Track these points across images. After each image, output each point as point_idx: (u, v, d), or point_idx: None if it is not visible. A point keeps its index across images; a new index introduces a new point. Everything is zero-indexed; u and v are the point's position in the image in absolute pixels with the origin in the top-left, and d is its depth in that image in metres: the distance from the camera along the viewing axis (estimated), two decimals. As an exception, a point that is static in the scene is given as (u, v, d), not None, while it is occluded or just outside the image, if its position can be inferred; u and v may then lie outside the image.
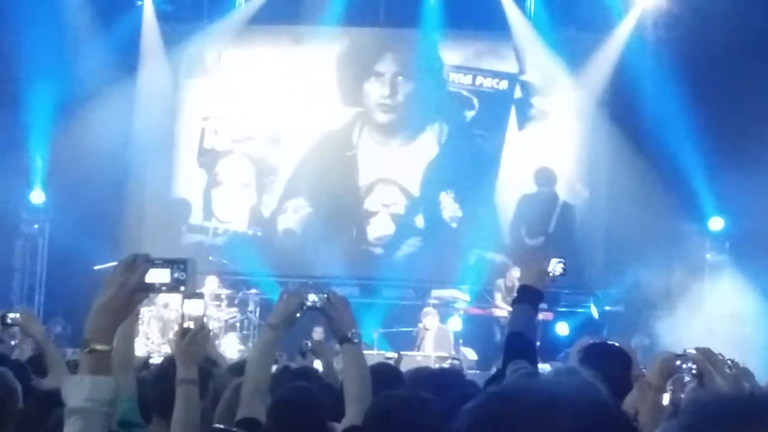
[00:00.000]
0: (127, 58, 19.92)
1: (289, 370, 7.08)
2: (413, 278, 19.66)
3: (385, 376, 6.01)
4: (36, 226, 19.99)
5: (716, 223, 18.78)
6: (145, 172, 20.37)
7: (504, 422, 1.77)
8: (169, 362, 5.51)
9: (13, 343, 9.04)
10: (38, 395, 5.39)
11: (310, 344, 8.57)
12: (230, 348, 16.35)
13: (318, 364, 8.40)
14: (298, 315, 5.28)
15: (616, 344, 6.24)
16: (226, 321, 17.42)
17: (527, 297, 5.69)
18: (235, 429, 4.58)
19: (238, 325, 17.66)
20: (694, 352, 5.36)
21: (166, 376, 5.06)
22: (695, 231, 18.63)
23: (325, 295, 5.31)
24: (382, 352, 15.27)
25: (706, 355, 5.40)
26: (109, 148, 19.08)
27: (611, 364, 5.34)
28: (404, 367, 8.85)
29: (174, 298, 17.15)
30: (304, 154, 20.27)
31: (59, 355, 6.79)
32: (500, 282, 17.61)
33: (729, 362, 5.82)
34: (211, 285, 17.59)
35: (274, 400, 4.97)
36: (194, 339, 4.54)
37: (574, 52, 19.58)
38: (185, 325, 4.53)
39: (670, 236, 18.08)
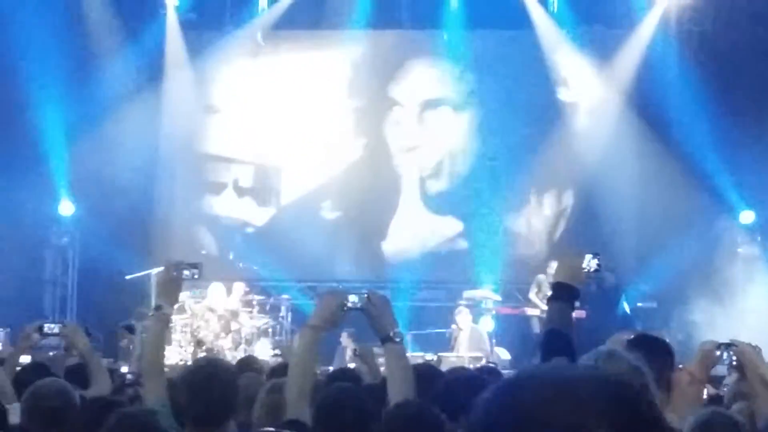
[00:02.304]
0: (152, 68, 19.99)
1: (330, 373, 7.09)
2: (444, 279, 19.63)
3: (427, 375, 5.99)
4: (66, 237, 20.05)
5: (747, 217, 18.69)
6: (172, 180, 20.44)
7: (520, 409, 1.71)
8: (201, 367, 5.52)
9: (51, 354, 9.07)
10: (90, 402, 5.39)
11: (358, 350, 8.52)
12: (263, 354, 16.34)
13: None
14: (340, 315, 5.26)
15: (657, 337, 6.23)
16: (258, 327, 17.41)
17: (563, 294, 5.66)
18: (283, 430, 4.57)
19: (270, 330, 17.66)
20: (743, 341, 5.33)
21: (198, 381, 5.06)
22: (726, 225, 18.53)
23: (366, 295, 5.29)
24: (417, 353, 15.25)
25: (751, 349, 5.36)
26: (135, 157, 19.17)
27: (656, 355, 5.31)
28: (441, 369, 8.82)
29: (203, 309, 17.23)
30: (331, 157, 20.29)
31: (102, 366, 6.80)
32: (541, 277, 17.49)
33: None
34: (238, 291, 17.59)
35: (320, 401, 4.96)
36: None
37: (599, 49, 19.53)
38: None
39: (701, 231, 17.98)
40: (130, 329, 9.16)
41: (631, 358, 4.76)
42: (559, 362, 4.44)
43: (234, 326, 17.03)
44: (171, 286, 5.63)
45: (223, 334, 16.84)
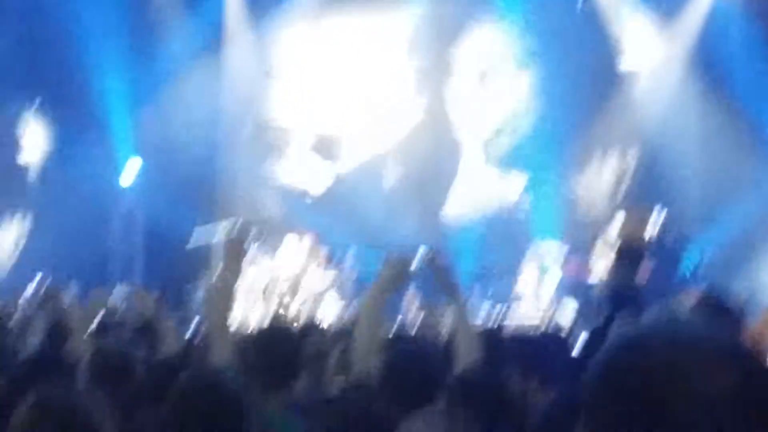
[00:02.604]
0: (213, 33, 20.05)
1: (393, 335, 7.12)
2: (507, 241, 19.58)
3: (494, 335, 6.02)
4: (131, 204, 20.23)
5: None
6: (235, 146, 20.54)
7: (644, 370, 1.72)
8: (271, 331, 5.59)
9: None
10: (158, 363, 5.49)
11: (422, 310, 8.55)
12: (330, 311, 16.42)
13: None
14: (405, 278, 5.30)
15: (724, 298, 6.19)
16: (324, 282, 17.42)
17: (627, 253, 5.65)
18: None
19: (336, 285, 17.62)
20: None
21: (264, 344, 5.14)
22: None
23: (431, 257, 5.33)
24: (482, 311, 15.28)
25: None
26: (197, 123, 19.27)
27: (725, 315, 5.30)
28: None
29: (269, 265, 17.33)
30: (392, 121, 20.30)
31: (171, 326, 6.87)
32: (603, 236, 17.40)
33: None
34: (305, 244, 17.52)
35: (388, 360, 5.00)
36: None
37: (662, 9, 19.33)
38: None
39: (767, 190, 17.79)
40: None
41: (699, 320, 4.76)
42: (683, 323, 4.44)
43: (304, 282, 17.09)
44: (236, 248, 5.66)
45: (292, 293, 16.90)
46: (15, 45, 19.26)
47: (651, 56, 19.64)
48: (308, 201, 20.32)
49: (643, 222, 5.11)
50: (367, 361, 5.04)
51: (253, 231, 5.72)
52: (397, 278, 5.29)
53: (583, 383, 1.79)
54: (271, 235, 16.53)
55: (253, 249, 16.48)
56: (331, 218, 19.23)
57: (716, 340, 1.77)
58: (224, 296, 5.59)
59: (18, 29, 19.34)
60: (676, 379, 1.70)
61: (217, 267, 5.78)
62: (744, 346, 1.79)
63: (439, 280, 5.30)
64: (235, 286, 5.53)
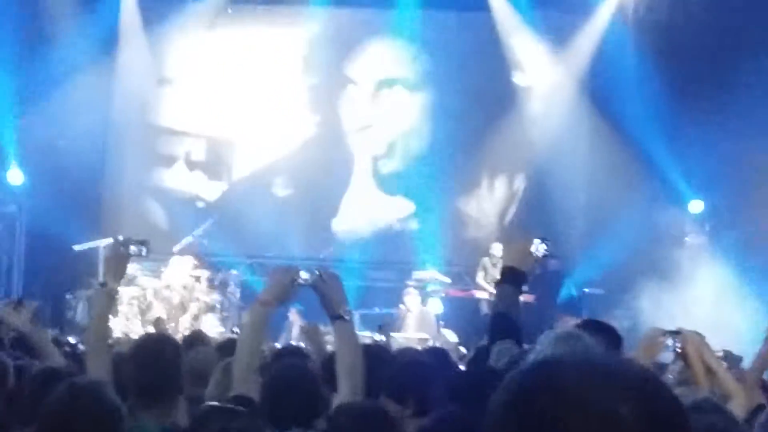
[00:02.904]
0: (106, 38, 19.79)
1: (278, 349, 7.08)
2: (394, 260, 19.67)
3: (376, 355, 5.99)
4: (13, 206, 19.85)
5: (696, 206, 18.83)
6: (124, 152, 20.31)
7: (556, 391, 1.73)
8: (147, 342, 5.50)
9: None
10: (36, 373, 5.36)
11: (304, 327, 8.50)
12: (210, 329, 16.27)
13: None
14: (290, 291, 5.25)
15: (606, 323, 6.26)
16: (206, 302, 17.32)
17: (511, 278, 5.69)
18: (229, 405, 4.56)
19: (218, 306, 17.56)
20: (688, 330, 5.37)
21: (144, 354, 5.06)
22: (675, 213, 18.66)
23: (317, 272, 5.28)
24: (365, 333, 15.24)
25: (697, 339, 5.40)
26: (87, 128, 19.01)
27: (605, 340, 5.34)
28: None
29: (151, 282, 17.19)
30: (284, 134, 20.26)
31: (47, 339, 6.73)
32: (485, 260, 17.63)
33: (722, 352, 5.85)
34: (187, 265, 17.47)
35: (270, 376, 4.95)
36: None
37: (555, 34, 19.59)
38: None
39: (650, 218, 18.08)
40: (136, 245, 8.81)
41: (591, 341, 4.80)
42: (593, 350, 4.49)
43: (192, 301, 16.97)
44: (118, 262, 5.65)
45: (180, 311, 16.77)
46: None
47: (544, 78, 19.88)
48: (197, 210, 20.12)
49: (527, 249, 5.14)
50: (247, 377, 4.98)
51: (135, 248, 5.65)
52: (282, 292, 5.23)
53: (497, 399, 1.78)
54: (156, 249, 16.35)
55: (135, 265, 16.33)
56: (219, 228, 19.08)
57: (624, 364, 1.78)
58: (103, 309, 5.53)
59: None
60: (590, 402, 1.71)
61: (98, 280, 5.76)
62: (646, 368, 1.81)
63: (325, 295, 5.25)
64: (115, 301, 5.49)
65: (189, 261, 17.55)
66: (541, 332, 5.30)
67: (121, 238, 5.76)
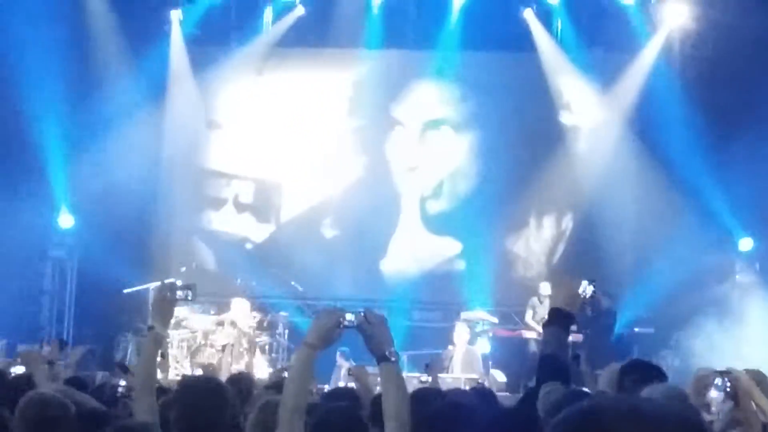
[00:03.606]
0: (156, 83, 20.00)
1: (326, 392, 7.08)
2: (442, 300, 19.64)
3: (423, 396, 5.98)
4: (64, 250, 20.05)
5: (746, 244, 18.69)
6: (173, 195, 20.46)
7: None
8: (187, 383, 5.54)
9: None
10: (86, 413, 5.42)
11: (351, 369, 8.50)
12: (259, 371, 16.31)
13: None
14: (336, 333, 5.25)
15: (654, 363, 6.23)
16: (255, 343, 17.37)
17: (558, 319, 5.68)
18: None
19: (267, 347, 17.62)
20: (738, 369, 5.33)
21: (189, 396, 5.09)
22: (725, 251, 18.52)
23: (362, 314, 5.28)
24: (413, 374, 15.20)
25: (755, 375, 5.36)
26: (137, 171, 19.19)
27: (650, 381, 5.32)
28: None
29: (198, 324, 17.28)
30: (331, 175, 20.33)
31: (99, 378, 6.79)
32: (534, 299, 17.59)
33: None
34: (242, 307, 17.49)
35: (317, 419, 4.95)
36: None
37: (601, 73, 19.60)
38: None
39: (699, 256, 17.96)
40: (123, 368, 9.22)
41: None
42: (637, 395, 4.47)
43: (241, 344, 17.02)
44: (164, 307, 5.69)
45: (230, 354, 16.80)
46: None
47: (590, 117, 19.87)
48: (245, 252, 20.23)
49: (575, 290, 5.12)
50: (292, 419, 4.98)
51: (181, 293, 5.70)
52: (327, 334, 5.24)
53: None
54: (206, 291, 16.46)
55: (185, 308, 16.43)
56: (268, 270, 19.16)
57: (677, 414, 1.78)
58: (151, 353, 5.58)
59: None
60: None
61: (148, 323, 5.80)
62: (702, 420, 1.81)
63: (370, 337, 5.25)
64: (163, 344, 5.53)
65: (241, 303, 17.60)
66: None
67: (168, 282, 5.81)
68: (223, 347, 16.81)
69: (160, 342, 5.69)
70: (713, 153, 18.02)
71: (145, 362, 5.63)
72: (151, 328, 5.63)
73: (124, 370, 8.72)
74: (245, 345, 16.95)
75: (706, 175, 18.21)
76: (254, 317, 17.44)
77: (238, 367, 16.22)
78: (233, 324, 16.99)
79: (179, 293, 5.66)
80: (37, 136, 19.01)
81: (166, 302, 5.69)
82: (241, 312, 17.22)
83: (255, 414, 5.64)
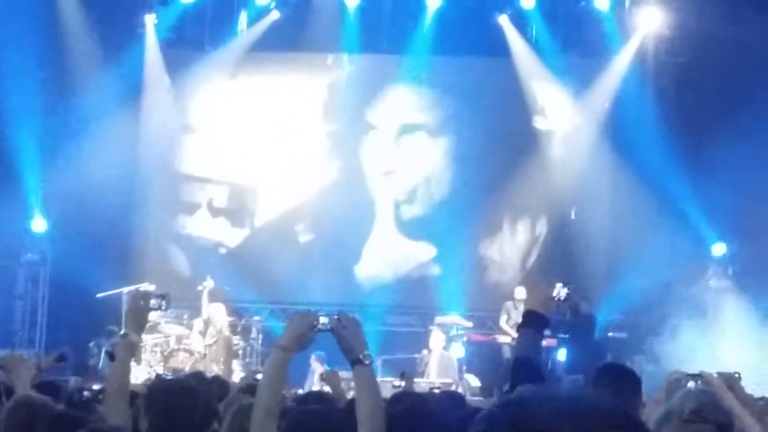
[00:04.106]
0: (130, 86, 19.93)
1: (300, 395, 7.08)
2: (416, 305, 19.64)
3: (398, 399, 5.98)
4: (37, 254, 19.96)
5: (719, 249, 18.78)
6: (147, 199, 20.39)
7: (523, 426, 1.73)
8: (159, 386, 5.52)
9: None
10: (56, 416, 5.42)
11: (323, 373, 8.51)
12: (233, 375, 16.28)
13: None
14: (309, 336, 5.24)
15: (625, 367, 6.25)
16: (232, 347, 17.32)
17: (532, 322, 5.68)
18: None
19: (240, 352, 17.58)
20: (710, 373, 5.36)
21: (157, 398, 5.07)
22: (698, 257, 18.60)
23: (336, 317, 5.27)
24: (387, 378, 15.18)
25: (727, 379, 5.39)
26: (110, 176, 19.10)
27: (624, 384, 5.34)
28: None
29: (174, 329, 17.24)
30: (306, 180, 20.32)
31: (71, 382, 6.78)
32: (508, 304, 17.60)
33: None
34: (218, 311, 17.44)
35: (289, 422, 4.94)
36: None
37: (576, 78, 19.66)
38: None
39: (672, 262, 18.04)
40: (111, 357, 9.14)
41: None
42: (562, 385, 4.48)
43: (214, 347, 16.97)
44: (138, 315, 5.69)
45: (202, 357, 16.76)
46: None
47: (565, 121, 19.93)
48: (219, 257, 20.18)
49: (549, 293, 5.12)
50: (265, 422, 4.97)
51: (155, 301, 5.69)
52: (301, 337, 5.23)
53: None
54: (178, 296, 16.41)
55: (156, 313, 16.35)
56: (242, 274, 19.12)
57: (594, 404, 1.77)
58: (124, 359, 5.57)
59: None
60: None
61: (120, 331, 5.80)
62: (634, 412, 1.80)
63: (344, 340, 5.24)
64: (136, 350, 5.52)
65: (219, 308, 17.55)
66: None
67: (142, 290, 5.82)
68: (206, 348, 16.77)
69: (133, 348, 5.69)
70: (687, 158, 18.10)
71: (118, 367, 5.61)
72: (124, 335, 5.62)
73: (112, 358, 8.59)
74: (222, 348, 16.89)
75: (679, 181, 18.29)
76: (230, 321, 17.40)
77: (216, 369, 16.19)
78: (211, 324, 16.94)
79: (153, 302, 5.66)
80: (10, 139, 18.92)
81: (139, 310, 5.68)
82: (218, 315, 17.18)
83: (230, 418, 5.63)
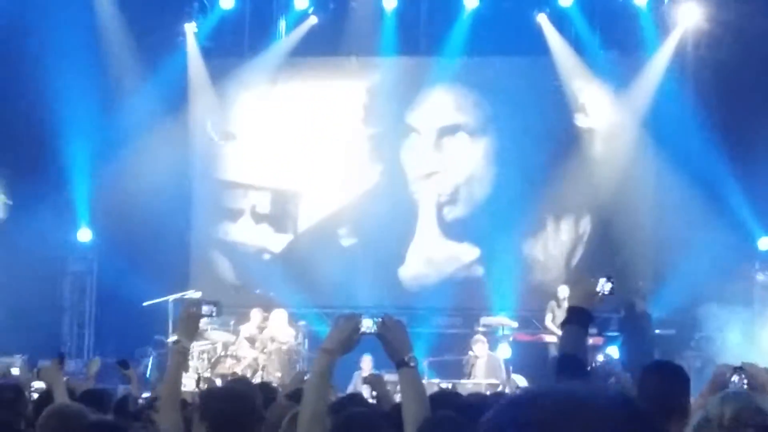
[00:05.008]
0: (173, 95, 20.03)
1: (339, 398, 7.08)
2: (461, 306, 19.61)
3: (444, 400, 5.97)
4: (84, 264, 20.12)
5: (765, 243, 18.62)
6: (191, 206, 20.51)
7: (533, 423, 1.70)
8: (209, 395, 5.56)
9: None
10: (98, 425, 5.46)
11: (368, 376, 8.51)
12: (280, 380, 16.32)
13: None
14: (354, 340, 5.24)
15: (674, 363, 6.20)
16: (292, 355, 17.41)
17: (576, 318, 5.65)
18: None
19: (289, 359, 17.62)
20: (753, 364, 5.32)
21: (214, 405, 5.11)
22: (744, 251, 18.45)
23: (381, 320, 5.27)
24: (434, 380, 15.20)
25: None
26: (155, 184, 19.20)
27: (673, 381, 5.29)
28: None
29: (221, 336, 17.33)
30: (348, 184, 20.35)
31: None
32: (552, 303, 17.57)
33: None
34: (255, 318, 17.59)
35: (335, 425, 4.95)
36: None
37: (616, 76, 19.58)
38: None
39: (719, 257, 17.90)
40: (124, 365, 9.29)
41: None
42: (571, 382, 4.46)
43: (262, 353, 17.07)
44: (189, 322, 5.76)
45: (251, 363, 16.84)
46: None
47: (606, 119, 19.83)
48: (263, 262, 20.25)
49: (592, 288, 5.10)
50: (312, 426, 4.98)
51: (207, 308, 5.76)
52: (344, 340, 5.23)
53: None
54: (224, 302, 16.47)
55: (203, 320, 16.41)
56: (286, 279, 19.18)
57: (606, 402, 1.75)
58: (176, 366, 5.62)
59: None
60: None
61: (169, 332, 5.90)
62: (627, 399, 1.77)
63: (389, 343, 5.24)
64: (188, 355, 5.57)
65: (256, 314, 17.67)
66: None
67: (193, 299, 5.88)
68: (264, 354, 16.90)
69: (185, 355, 5.76)
70: (730, 153, 17.98)
71: (170, 374, 5.66)
72: (176, 341, 5.69)
73: (126, 366, 8.80)
74: (279, 358, 16.99)
75: (723, 175, 18.16)
76: (291, 332, 17.53)
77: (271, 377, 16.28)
78: (272, 339, 17.08)
79: (205, 309, 5.72)
80: (59, 151, 19.11)
81: (192, 317, 5.74)
82: (279, 324, 17.35)
83: (285, 426, 5.64)
